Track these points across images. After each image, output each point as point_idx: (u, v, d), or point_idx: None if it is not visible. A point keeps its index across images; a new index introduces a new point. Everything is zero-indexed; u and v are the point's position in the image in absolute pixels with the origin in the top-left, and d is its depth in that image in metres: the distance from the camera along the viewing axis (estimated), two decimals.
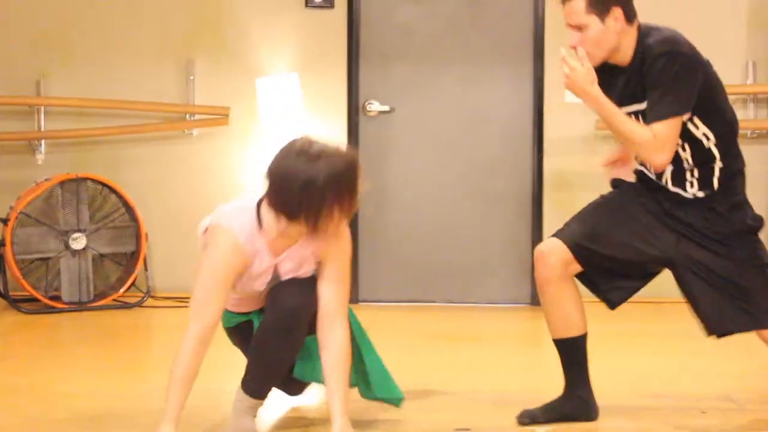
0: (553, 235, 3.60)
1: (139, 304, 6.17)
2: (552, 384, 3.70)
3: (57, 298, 6.21)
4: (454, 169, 6.56)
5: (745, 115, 6.41)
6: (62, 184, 6.21)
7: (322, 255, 3.33)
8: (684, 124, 3.44)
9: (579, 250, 3.52)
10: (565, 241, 3.53)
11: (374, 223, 6.59)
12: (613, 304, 3.63)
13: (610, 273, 3.59)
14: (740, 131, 6.65)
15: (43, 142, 6.63)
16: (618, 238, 3.54)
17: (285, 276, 3.35)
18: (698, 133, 3.49)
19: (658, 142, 3.37)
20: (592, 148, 6.34)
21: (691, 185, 3.52)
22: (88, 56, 6.60)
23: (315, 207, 3.11)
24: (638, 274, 3.62)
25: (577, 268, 3.55)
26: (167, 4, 6.54)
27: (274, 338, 3.35)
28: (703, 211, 3.52)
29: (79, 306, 6.18)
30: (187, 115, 6.58)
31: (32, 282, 6.21)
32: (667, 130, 3.37)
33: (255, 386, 3.42)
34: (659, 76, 3.39)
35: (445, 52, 6.56)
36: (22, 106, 6.61)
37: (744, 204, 3.59)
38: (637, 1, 3.55)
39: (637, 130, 3.41)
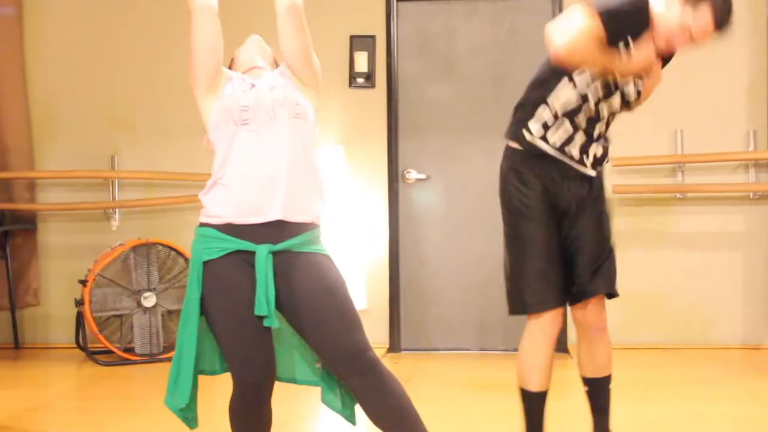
0: (543, 309, 3.60)
1: None
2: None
3: (130, 351, 6.59)
4: (485, 230, 6.80)
5: (746, 179, 6.70)
6: (135, 248, 6.55)
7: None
8: None
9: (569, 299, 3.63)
10: (561, 304, 3.58)
11: (413, 279, 6.91)
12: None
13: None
14: (742, 194, 6.77)
15: (117, 210, 7.03)
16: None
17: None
18: None
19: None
20: None
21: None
22: (155, 134, 7.01)
23: None
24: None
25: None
26: None
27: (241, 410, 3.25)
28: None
29: (151, 358, 6.55)
30: None
31: (108, 336, 6.58)
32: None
33: None
34: None
35: (474, 125, 6.85)
36: (97, 179, 7.00)
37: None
38: None
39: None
